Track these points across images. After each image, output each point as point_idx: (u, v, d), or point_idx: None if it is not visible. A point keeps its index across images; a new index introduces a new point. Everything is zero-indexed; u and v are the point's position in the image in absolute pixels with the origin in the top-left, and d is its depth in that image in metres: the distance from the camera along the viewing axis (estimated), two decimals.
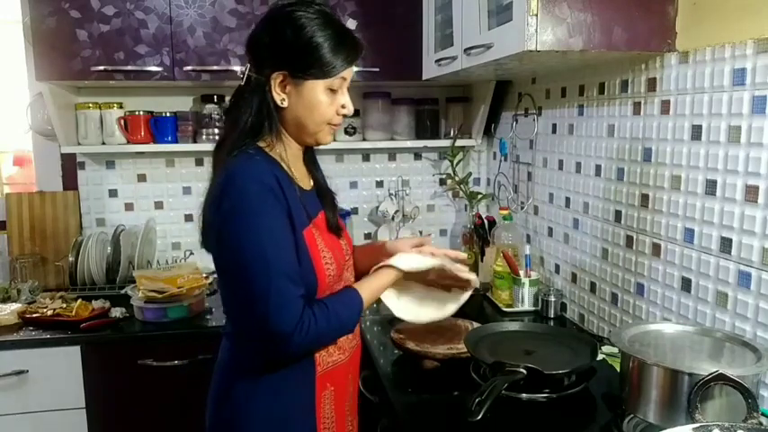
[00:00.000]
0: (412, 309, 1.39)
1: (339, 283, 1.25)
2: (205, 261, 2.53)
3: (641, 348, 1.14)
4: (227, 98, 2.38)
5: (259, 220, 1.08)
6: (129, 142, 2.36)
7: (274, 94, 1.16)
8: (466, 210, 2.65)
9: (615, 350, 1.29)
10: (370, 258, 1.39)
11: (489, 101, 2.43)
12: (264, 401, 1.19)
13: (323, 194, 1.32)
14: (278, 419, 1.19)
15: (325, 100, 1.18)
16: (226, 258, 1.14)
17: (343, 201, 2.63)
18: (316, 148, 1.31)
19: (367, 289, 1.24)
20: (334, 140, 2.50)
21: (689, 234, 1.41)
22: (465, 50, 1.71)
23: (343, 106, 1.22)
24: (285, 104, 1.17)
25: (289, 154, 1.22)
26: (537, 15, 1.34)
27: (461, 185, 2.57)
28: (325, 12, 1.18)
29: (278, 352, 1.12)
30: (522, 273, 1.99)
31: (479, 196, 2.54)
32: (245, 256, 1.08)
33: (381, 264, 1.30)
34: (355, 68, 2.29)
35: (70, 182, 2.47)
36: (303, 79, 1.15)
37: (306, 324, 1.09)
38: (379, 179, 2.69)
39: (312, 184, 1.31)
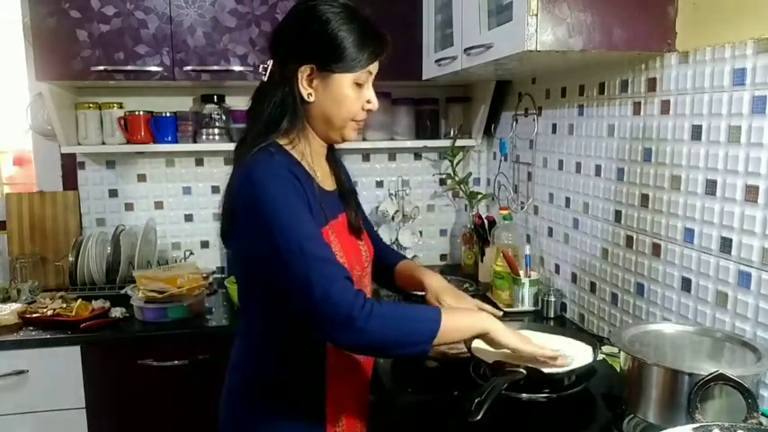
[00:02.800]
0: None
1: None
2: (205, 261, 2.55)
3: (641, 348, 1.14)
4: (228, 98, 2.41)
5: (285, 212, 1.05)
6: (129, 142, 2.36)
7: (301, 88, 1.13)
8: (466, 210, 2.65)
9: (615, 350, 1.29)
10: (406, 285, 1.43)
11: (489, 101, 2.43)
12: (274, 413, 1.19)
13: (346, 195, 1.29)
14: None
15: (352, 94, 1.16)
16: (256, 254, 1.09)
17: None
18: (338, 147, 1.29)
19: (451, 317, 1.11)
20: None
21: (689, 234, 1.41)
22: (465, 50, 1.71)
23: (368, 101, 1.19)
24: (312, 99, 1.15)
25: (311, 151, 1.19)
26: (537, 15, 1.34)
27: (461, 185, 2.57)
28: (351, 6, 1.16)
29: (340, 338, 1.03)
30: (522, 273, 1.99)
31: (479, 196, 2.54)
32: (281, 249, 1.03)
33: (476, 311, 1.25)
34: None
35: (70, 182, 2.47)
36: (331, 72, 1.13)
37: (367, 305, 1.01)
38: (379, 179, 2.69)
39: (335, 184, 1.29)
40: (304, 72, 1.13)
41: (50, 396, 1.91)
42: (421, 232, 2.70)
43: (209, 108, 2.38)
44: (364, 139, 2.54)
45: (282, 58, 1.16)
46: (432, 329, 1.06)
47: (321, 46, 1.12)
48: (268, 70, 1.17)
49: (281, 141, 1.16)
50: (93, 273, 2.28)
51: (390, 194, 2.58)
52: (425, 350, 1.07)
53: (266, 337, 1.18)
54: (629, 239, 1.63)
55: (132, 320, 2.04)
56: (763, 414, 1.04)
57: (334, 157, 1.32)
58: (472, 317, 1.18)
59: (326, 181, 1.25)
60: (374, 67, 1.18)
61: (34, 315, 2.00)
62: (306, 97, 1.14)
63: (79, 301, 2.06)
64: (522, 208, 2.27)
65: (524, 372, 1.21)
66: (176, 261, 2.52)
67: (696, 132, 1.37)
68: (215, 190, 2.55)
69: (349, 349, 1.11)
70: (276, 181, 1.07)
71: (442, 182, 2.72)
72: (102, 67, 2.09)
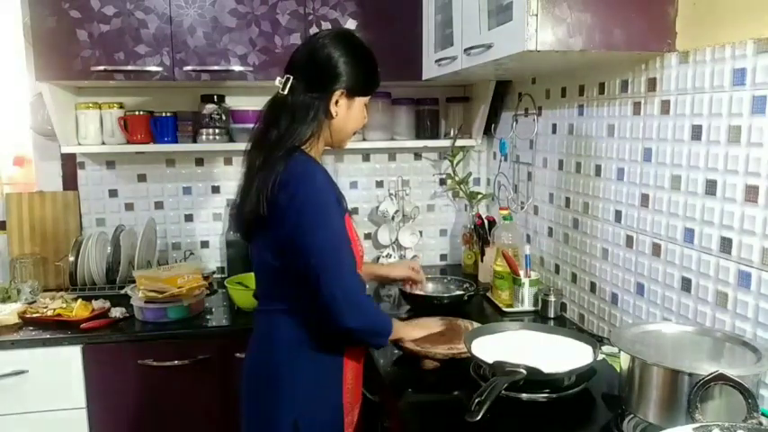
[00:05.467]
0: None
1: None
2: (205, 261, 2.55)
3: (641, 348, 1.14)
4: (228, 98, 2.41)
5: (331, 218, 1.31)
6: (129, 142, 2.35)
7: (331, 107, 1.38)
8: (466, 210, 2.65)
9: (615, 350, 1.29)
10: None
11: (489, 101, 2.43)
12: (311, 367, 1.39)
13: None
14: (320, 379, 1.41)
15: (362, 113, 1.46)
16: (300, 246, 1.29)
17: None
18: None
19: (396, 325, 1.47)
20: None
21: (689, 234, 1.41)
22: (465, 50, 1.71)
23: (364, 117, 1.49)
24: (335, 116, 1.39)
25: (319, 155, 1.44)
26: (537, 15, 1.34)
27: (461, 185, 2.57)
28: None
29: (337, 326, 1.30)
30: (522, 273, 1.98)
31: (479, 196, 2.54)
32: (323, 249, 1.28)
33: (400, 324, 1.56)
34: None
35: (70, 182, 2.47)
36: (356, 95, 1.41)
37: (364, 309, 1.33)
38: (379, 179, 2.69)
39: None
40: (336, 95, 1.38)
41: (50, 396, 1.91)
42: (421, 232, 2.70)
43: (209, 108, 2.38)
44: (364, 139, 2.54)
45: (316, 80, 1.37)
46: (389, 328, 1.42)
47: (356, 75, 1.39)
48: (288, 85, 1.36)
49: (303, 148, 1.38)
50: (93, 273, 2.28)
51: (390, 194, 2.58)
52: (384, 344, 1.44)
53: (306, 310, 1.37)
54: (629, 239, 1.63)
55: (132, 320, 2.04)
56: (763, 414, 1.04)
57: None
58: (396, 327, 1.48)
59: None
60: None
61: (34, 315, 2.00)
62: (333, 114, 1.39)
63: (79, 301, 2.07)
64: (522, 208, 2.27)
65: (524, 372, 1.21)
66: (176, 261, 2.52)
67: (696, 132, 1.37)
68: (215, 190, 2.55)
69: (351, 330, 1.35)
70: (327, 189, 1.33)
71: (442, 182, 2.72)
72: (102, 67, 2.09)
